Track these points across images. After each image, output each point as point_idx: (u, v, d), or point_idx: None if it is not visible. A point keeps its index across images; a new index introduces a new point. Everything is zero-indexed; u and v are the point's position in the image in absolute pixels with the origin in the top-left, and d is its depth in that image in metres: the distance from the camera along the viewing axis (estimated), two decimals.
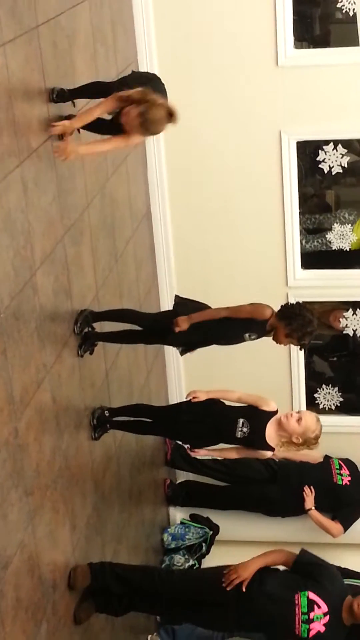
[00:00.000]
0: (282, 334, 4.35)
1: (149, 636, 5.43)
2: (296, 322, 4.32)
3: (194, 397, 4.41)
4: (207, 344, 4.58)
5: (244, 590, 4.23)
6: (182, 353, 4.68)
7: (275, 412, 4.37)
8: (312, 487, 6.02)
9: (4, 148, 3.47)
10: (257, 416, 4.35)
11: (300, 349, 4.53)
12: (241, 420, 4.34)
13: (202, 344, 4.58)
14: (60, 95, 4.09)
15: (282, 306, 4.41)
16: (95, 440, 4.56)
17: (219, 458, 4.77)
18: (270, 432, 4.35)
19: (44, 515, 3.84)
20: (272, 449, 4.39)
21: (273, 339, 4.43)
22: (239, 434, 4.34)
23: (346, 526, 6.01)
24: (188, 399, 4.45)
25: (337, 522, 6.00)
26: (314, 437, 4.38)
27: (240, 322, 4.42)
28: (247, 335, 4.42)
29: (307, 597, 4.18)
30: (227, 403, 4.51)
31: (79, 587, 4.21)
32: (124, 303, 5.22)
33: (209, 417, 4.42)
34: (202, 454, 4.54)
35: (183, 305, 4.53)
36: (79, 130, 4.23)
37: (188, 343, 4.57)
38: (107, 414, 4.61)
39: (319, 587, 4.20)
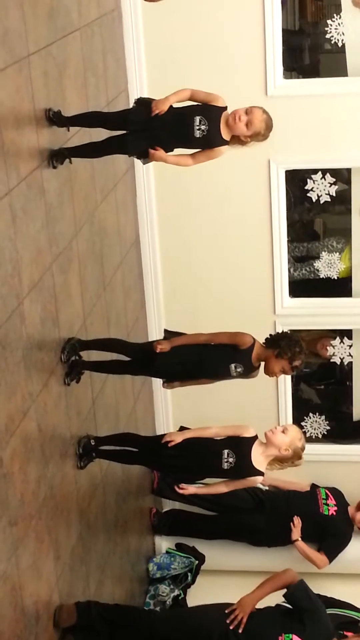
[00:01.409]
0: (272, 359, 4.36)
1: None
2: (284, 342, 4.35)
3: (170, 442, 4.33)
4: (194, 377, 4.54)
5: (240, 631, 4.21)
6: (164, 384, 4.65)
7: (256, 437, 4.36)
8: (299, 518, 6.00)
9: None
10: (240, 444, 4.32)
11: (293, 372, 4.49)
12: (226, 451, 4.31)
13: (187, 376, 4.54)
14: (57, 116, 4.11)
15: (267, 337, 4.43)
16: (81, 469, 4.53)
17: (208, 494, 4.72)
18: (256, 456, 4.32)
19: (27, 545, 3.80)
20: (262, 474, 4.36)
21: (265, 372, 4.43)
22: (225, 465, 4.31)
23: (331, 557, 5.99)
24: (164, 442, 4.37)
25: (322, 553, 5.98)
26: (301, 446, 4.38)
27: (224, 351, 4.42)
28: (233, 366, 4.40)
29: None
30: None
31: (64, 626, 4.16)
32: (112, 331, 5.21)
33: (192, 453, 4.37)
34: (189, 491, 4.49)
35: (172, 336, 4.53)
36: (70, 160, 4.23)
37: (173, 374, 4.54)
38: (93, 443, 4.58)
39: (303, 630, 4.19)
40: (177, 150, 4.28)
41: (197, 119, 4.12)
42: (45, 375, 4.06)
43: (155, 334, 6.13)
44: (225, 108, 4.18)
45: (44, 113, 4.04)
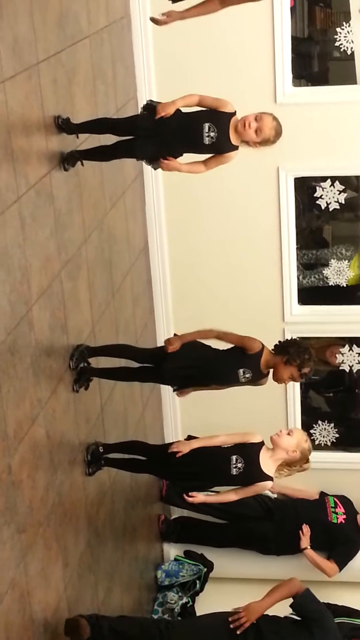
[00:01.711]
0: (280, 365, 4.35)
1: None
2: (293, 349, 4.35)
3: (178, 453, 4.31)
4: (202, 382, 4.54)
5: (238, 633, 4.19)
6: (177, 392, 4.64)
7: (263, 443, 4.35)
8: (308, 526, 5.98)
9: (2, 183, 3.48)
10: (247, 450, 4.31)
11: (301, 379, 4.48)
12: (234, 457, 4.30)
13: (196, 382, 4.54)
14: (66, 124, 4.13)
15: (276, 344, 4.42)
16: (90, 476, 4.52)
17: (217, 502, 4.70)
18: (265, 461, 4.31)
19: (36, 552, 3.80)
20: (271, 478, 4.34)
21: (274, 378, 4.42)
22: (234, 471, 4.30)
23: (341, 566, 5.97)
24: (171, 452, 4.36)
25: (332, 561, 5.96)
26: (308, 447, 4.38)
27: (233, 356, 4.42)
28: (241, 371, 4.39)
29: None
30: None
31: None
32: (121, 338, 5.21)
33: (200, 461, 4.36)
34: (199, 500, 4.47)
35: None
36: (82, 162, 4.25)
37: (182, 379, 4.53)
38: (101, 450, 4.57)
39: (311, 638, 4.16)
40: (186, 155, 4.28)
41: (206, 125, 4.12)
42: (53, 382, 4.06)
43: (163, 340, 6.13)
44: (234, 113, 4.18)
45: (53, 120, 4.05)
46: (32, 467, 3.76)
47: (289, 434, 4.33)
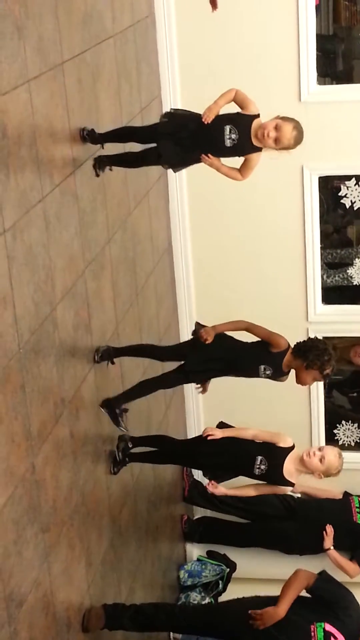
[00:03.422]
0: (302, 370, 4.35)
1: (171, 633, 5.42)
2: (312, 353, 4.34)
3: (209, 436, 4.35)
4: (223, 373, 4.53)
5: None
6: (199, 388, 4.66)
7: (292, 448, 4.33)
8: (331, 526, 5.94)
9: (26, 183, 3.48)
10: (274, 453, 4.30)
11: (325, 379, 4.47)
12: (259, 458, 4.30)
13: (218, 373, 4.54)
14: (91, 135, 4.14)
15: (295, 344, 4.42)
16: (114, 474, 4.52)
17: (236, 495, 4.70)
18: (289, 468, 4.30)
19: (59, 552, 3.80)
20: (292, 484, 4.35)
21: (297, 381, 4.42)
22: (257, 471, 4.31)
23: None
24: (204, 436, 4.40)
25: (354, 562, 5.92)
26: (336, 472, 4.37)
27: (256, 351, 4.44)
28: (262, 367, 4.41)
29: (324, 629, 4.12)
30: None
31: (92, 630, 4.15)
32: (144, 337, 5.21)
33: (227, 452, 4.39)
34: (220, 491, 4.48)
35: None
36: (111, 168, 4.25)
37: (205, 372, 4.53)
38: (130, 445, 4.57)
39: (335, 617, 4.15)
40: None
41: (227, 128, 4.09)
42: (77, 381, 4.06)
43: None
44: (257, 116, 4.14)
45: (78, 132, 4.06)
46: (56, 467, 3.77)
47: (321, 459, 4.27)
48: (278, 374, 4.45)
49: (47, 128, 3.71)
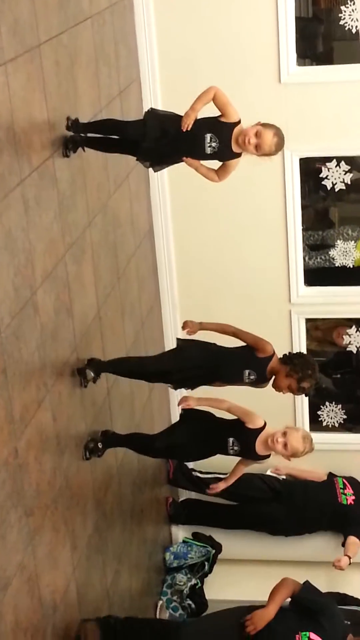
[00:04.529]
0: (282, 375, 4.39)
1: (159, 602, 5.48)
2: (298, 361, 4.39)
3: (185, 404, 4.37)
4: (208, 380, 4.54)
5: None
6: (175, 388, 4.68)
7: (263, 428, 4.36)
8: (319, 508, 5.98)
9: (4, 166, 3.47)
10: (245, 435, 4.35)
11: (299, 392, 4.48)
12: (231, 440, 4.35)
13: (204, 380, 4.54)
14: (74, 126, 4.12)
15: (284, 354, 4.46)
16: (98, 457, 4.52)
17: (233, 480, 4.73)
18: (260, 448, 4.37)
19: (44, 535, 3.81)
20: (268, 456, 4.42)
21: (273, 385, 4.46)
22: (231, 452, 4.38)
23: None
24: (180, 406, 4.43)
25: (352, 537, 5.90)
26: (303, 455, 4.40)
27: (241, 356, 4.45)
28: (247, 372, 4.42)
29: (309, 638, 4.17)
30: (217, 415, 4.49)
31: None
32: (126, 321, 5.20)
33: (199, 439, 4.43)
34: (220, 488, 4.59)
35: (186, 341, 4.58)
36: (83, 148, 4.23)
37: (192, 379, 4.53)
38: (100, 446, 4.51)
39: (319, 626, 4.20)
40: None
41: (208, 136, 4.08)
42: (59, 365, 4.06)
43: (170, 323, 6.13)
44: (237, 123, 4.13)
45: (56, 115, 4.03)
46: (39, 451, 3.77)
47: (284, 446, 4.29)
48: (260, 380, 4.47)
49: (24, 111, 3.69)
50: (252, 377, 4.43)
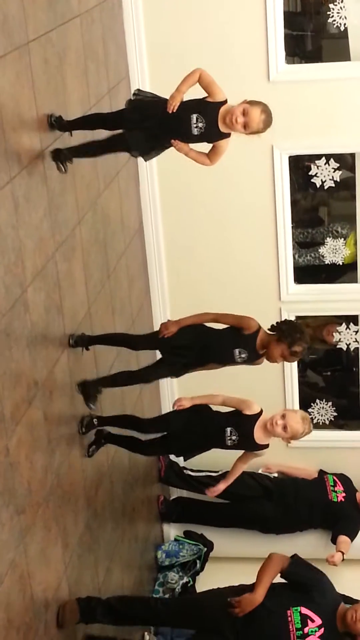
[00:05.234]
0: (273, 344, 4.36)
1: (145, 633, 5.39)
2: (285, 327, 4.38)
3: (179, 405, 4.37)
4: (199, 363, 4.53)
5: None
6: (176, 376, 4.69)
7: (260, 414, 4.35)
8: (309, 506, 5.99)
9: None
10: (242, 422, 4.34)
11: (292, 358, 4.45)
12: (229, 429, 4.33)
13: (195, 363, 4.53)
14: (58, 122, 4.09)
15: (272, 324, 4.44)
16: (89, 457, 4.53)
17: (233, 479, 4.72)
18: (259, 434, 4.34)
19: (35, 533, 3.80)
20: (266, 446, 4.40)
21: (266, 357, 4.43)
22: (229, 443, 4.36)
23: (352, 537, 5.93)
24: (174, 407, 4.42)
25: (342, 535, 5.91)
26: (304, 435, 4.38)
27: (229, 336, 4.43)
28: (237, 351, 4.40)
29: (300, 613, 4.16)
30: (214, 409, 4.49)
31: (68, 624, 4.13)
32: (117, 319, 5.20)
33: (196, 429, 4.41)
34: (219, 490, 4.55)
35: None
36: (71, 160, 4.18)
37: (183, 364, 4.53)
38: (95, 422, 4.56)
39: (310, 600, 4.19)
40: None
41: (194, 116, 4.03)
42: (50, 363, 4.06)
43: (160, 321, 6.07)
44: (224, 102, 4.07)
45: (46, 118, 4.01)
46: (30, 449, 3.76)
47: (284, 428, 4.28)
48: (253, 357, 4.45)
49: (13, 109, 3.68)
50: (243, 355, 4.41)
